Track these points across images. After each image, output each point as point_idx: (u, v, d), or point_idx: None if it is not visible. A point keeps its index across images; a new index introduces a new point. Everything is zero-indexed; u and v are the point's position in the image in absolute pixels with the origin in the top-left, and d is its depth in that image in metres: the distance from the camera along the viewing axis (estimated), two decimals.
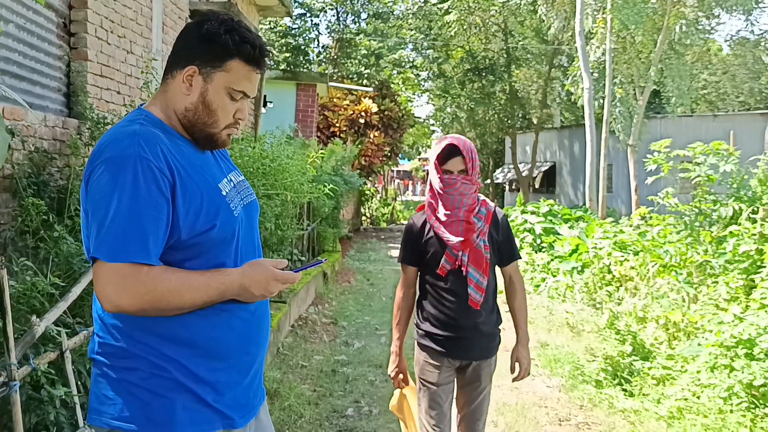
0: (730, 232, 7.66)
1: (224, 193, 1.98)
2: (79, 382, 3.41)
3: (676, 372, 5.89)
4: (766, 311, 5.74)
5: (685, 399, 5.37)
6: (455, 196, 3.27)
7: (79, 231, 4.54)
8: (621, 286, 8.76)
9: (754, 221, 7.64)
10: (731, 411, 5.04)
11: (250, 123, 11.55)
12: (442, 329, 3.36)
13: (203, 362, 1.91)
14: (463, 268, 3.28)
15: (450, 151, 3.27)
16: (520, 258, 3.66)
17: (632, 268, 8.79)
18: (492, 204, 3.45)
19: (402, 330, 3.52)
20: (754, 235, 7.21)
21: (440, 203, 3.32)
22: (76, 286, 3.45)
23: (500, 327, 3.51)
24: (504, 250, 3.43)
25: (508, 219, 3.63)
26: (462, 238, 3.26)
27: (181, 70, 1.96)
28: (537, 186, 33.91)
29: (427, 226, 3.37)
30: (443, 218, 3.29)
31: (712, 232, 8.25)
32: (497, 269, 3.48)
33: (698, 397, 5.34)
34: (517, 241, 3.48)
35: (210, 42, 1.94)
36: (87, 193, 1.85)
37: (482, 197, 3.43)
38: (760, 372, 5.08)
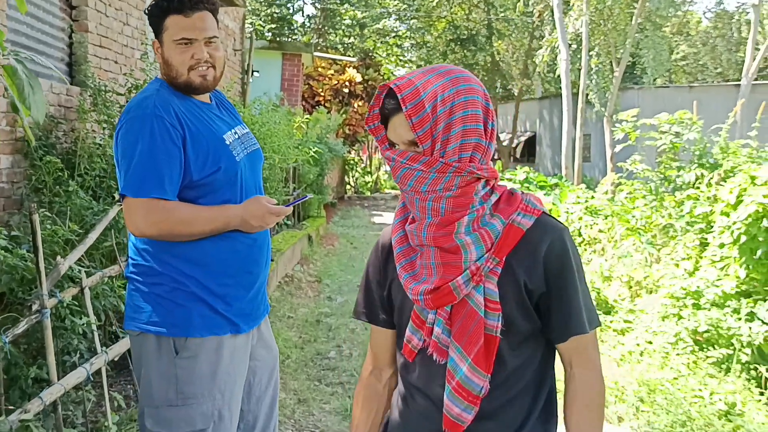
0: (688, 195, 8.15)
1: (228, 142, 2.46)
2: (95, 316, 3.89)
3: (636, 325, 6.41)
4: (715, 267, 6.28)
5: (638, 345, 5.92)
6: (410, 195, 1.60)
7: (88, 188, 5.03)
8: (590, 248, 9.27)
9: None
10: (677, 354, 5.59)
11: (237, 91, 11.94)
12: None
13: (215, 278, 2.40)
14: (431, 350, 1.63)
15: (388, 109, 1.59)
16: (599, 324, 1.67)
17: (601, 231, 9.29)
18: (526, 211, 1.60)
19: None
20: (709, 198, 7.71)
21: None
22: (93, 232, 3.93)
23: None
24: (556, 311, 1.61)
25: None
26: (429, 285, 1.58)
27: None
28: (518, 156, 34.40)
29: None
30: (407, 240, 1.68)
31: (675, 196, 8.73)
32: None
33: (651, 344, 5.88)
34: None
35: (150, 17, 2.48)
36: (117, 145, 2.37)
37: (501, 190, 1.64)
38: (705, 320, 5.63)
